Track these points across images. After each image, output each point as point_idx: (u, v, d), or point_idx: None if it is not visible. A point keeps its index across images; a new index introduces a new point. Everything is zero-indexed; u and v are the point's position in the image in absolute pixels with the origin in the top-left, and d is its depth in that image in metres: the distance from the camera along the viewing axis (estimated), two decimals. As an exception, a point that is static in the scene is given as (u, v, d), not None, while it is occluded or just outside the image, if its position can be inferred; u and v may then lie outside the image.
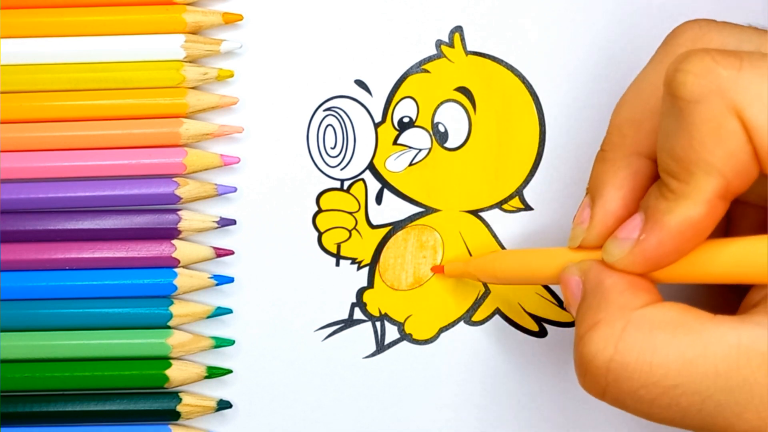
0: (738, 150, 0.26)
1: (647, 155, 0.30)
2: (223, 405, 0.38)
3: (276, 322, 0.38)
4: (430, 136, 0.39)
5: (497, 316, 0.39)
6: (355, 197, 0.39)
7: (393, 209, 0.39)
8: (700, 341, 0.26)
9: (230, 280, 0.38)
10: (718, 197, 0.27)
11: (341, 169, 0.39)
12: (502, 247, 0.39)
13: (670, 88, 0.27)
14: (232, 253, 0.38)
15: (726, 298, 0.30)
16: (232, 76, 0.38)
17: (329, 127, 0.39)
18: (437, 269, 0.38)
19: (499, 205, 0.39)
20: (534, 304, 0.39)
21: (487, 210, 0.39)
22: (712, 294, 0.33)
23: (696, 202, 0.27)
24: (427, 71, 0.39)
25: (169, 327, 0.38)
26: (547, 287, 0.39)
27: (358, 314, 0.39)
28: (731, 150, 0.26)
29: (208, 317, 0.38)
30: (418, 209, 0.39)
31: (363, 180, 0.39)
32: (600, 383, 0.27)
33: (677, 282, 0.29)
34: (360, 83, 0.39)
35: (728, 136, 0.26)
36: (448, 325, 0.39)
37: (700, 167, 0.26)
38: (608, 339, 0.27)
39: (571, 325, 0.39)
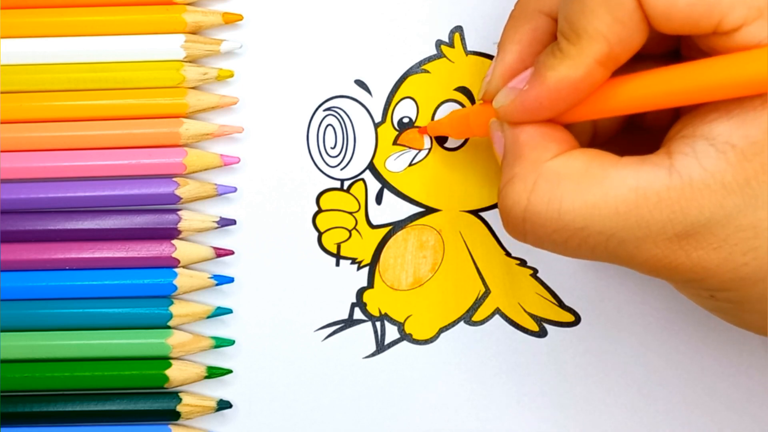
0: (626, 19, 0.27)
1: (550, 14, 0.32)
2: (223, 405, 0.38)
3: (276, 322, 0.38)
4: (430, 136, 0.39)
5: (497, 316, 0.39)
6: (355, 197, 0.39)
7: (393, 209, 0.39)
8: (602, 187, 0.28)
9: (230, 280, 0.38)
10: (599, 63, 0.28)
11: (341, 169, 0.39)
12: (503, 247, 0.39)
13: None
14: (232, 253, 0.38)
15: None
16: (232, 76, 0.38)
17: (329, 127, 0.39)
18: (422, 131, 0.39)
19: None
20: (534, 304, 0.39)
21: (487, 210, 0.39)
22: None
23: (577, 64, 0.28)
24: (427, 71, 0.39)
25: (169, 327, 0.38)
26: (546, 287, 0.39)
27: (358, 314, 0.39)
28: (619, 18, 0.27)
29: (208, 317, 0.38)
30: (418, 209, 0.39)
31: (363, 180, 0.39)
32: (519, 230, 0.30)
33: (582, 120, 0.30)
34: (360, 83, 0.39)
35: (618, 5, 0.27)
36: (448, 325, 0.39)
37: (587, 32, 0.28)
38: (522, 192, 0.30)
39: (571, 325, 0.39)
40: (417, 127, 0.39)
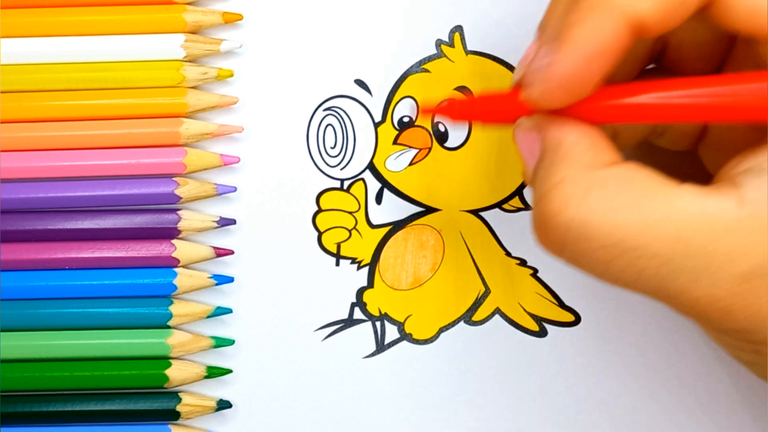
0: None
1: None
2: (223, 405, 0.38)
3: (276, 322, 0.38)
4: (430, 136, 0.39)
5: (497, 316, 0.39)
6: (355, 197, 0.39)
7: (393, 209, 0.39)
8: (665, 206, 0.25)
9: (230, 280, 0.38)
10: (628, 23, 0.26)
11: (341, 169, 0.39)
12: (503, 247, 0.39)
13: None
14: (232, 252, 0.38)
15: (695, 176, 0.29)
16: (231, 75, 0.38)
17: (329, 127, 0.39)
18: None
19: (499, 204, 0.39)
20: (534, 304, 0.39)
21: (487, 210, 0.39)
22: (682, 168, 0.32)
23: (604, 18, 0.26)
24: (427, 71, 0.39)
25: (168, 327, 0.38)
26: (547, 287, 0.39)
27: (358, 314, 0.39)
28: None
29: (208, 317, 0.38)
30: (418, 209, 0.39)
31: (363, 180, 0.39)
32: (559, 241, 0.26)
33: (630, 122, 0.28)
34: (360, 83, 0.39)
35: None
36: (448, 325, 0.39)
37: None
38: (571, 198, 0.26)
39: (571, 325, 0.39)
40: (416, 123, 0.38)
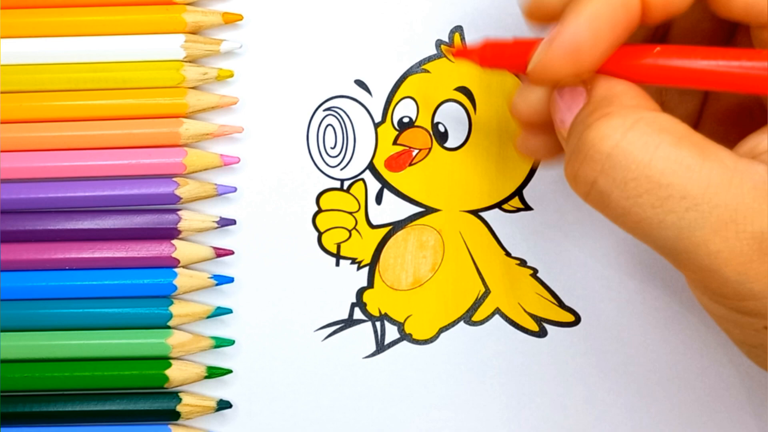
0: None
1: None
2: (223, 405, 0.38)
3: (276, 322, 0.38)
4: (430, 136, 0.39)
5: (497, 316, 0.39)
6: (355, 197, 0.39)
7: (393, 209, 0.39)
8: (701, 154, 0.26)
9: (230, 280, 0.38)
10: None
11: (341, 169, 0.39)
12: (503, 247, 0.39)
13: None
14: (232, 253, 0.38)
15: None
16: (232, 76, 0.38)
17: (329, 127, 0.39)
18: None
19: (499, 205, 0.39)
20: (534, 304, 0.39)
21: (487, 210, 0.39)
22: None
23: None
24: (427, 71, 0.39)
25: (169, 327, 0.38)
26: (546, 287, 0.39)
27: (358, 314, 0.39)
28: None
29: (208, 317, 0.38)
30: (418, 209, 0.39)
31: (363, 180, 0.39)
32: (595, 168, 0.27)
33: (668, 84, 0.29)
34: (360, 83, 0.39)
35: None
36: (448, 325, 0.39)
37: None
38: (617, 127, 0.27)
39: (571, 325, 0.39)
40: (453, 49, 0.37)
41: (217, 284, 0.38)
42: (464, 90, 0.39)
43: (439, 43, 0.39)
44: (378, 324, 0.39)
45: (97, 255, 0.37)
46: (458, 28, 0.39)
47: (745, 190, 0.26)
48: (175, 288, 0.37)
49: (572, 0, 0.28)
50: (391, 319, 0.39)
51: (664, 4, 0.27)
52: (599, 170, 0.27)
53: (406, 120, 0.39)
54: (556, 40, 0.28)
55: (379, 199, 0.39)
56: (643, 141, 0.26)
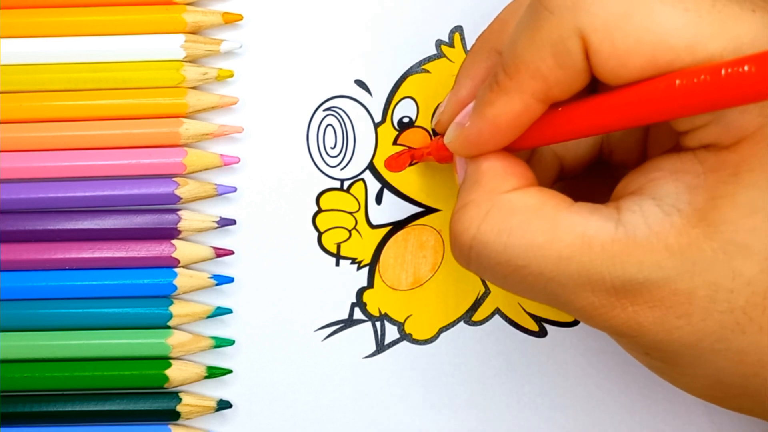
0: (569, 66, 0.27)
1: None
2: (223, 405, 0.38)
3: (276, 322, 0.38)
4: (430, 136, 0.39)
5: (497, 316, 0.39)
6: (355, 197, 0.39)
7: (393, 209, 0.39)
8: (550, 228, 0.28)
9: (230, 280, 0.38)
10: (537, 99, 0.28)
11: (341, 169, 0.39)
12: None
13: None
14: (232, 253, 0.38)
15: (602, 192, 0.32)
16: (232, 76, 0.38)
17: (329, 127, 0.39)
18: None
19: (499, 205, 0.39)
20: (534, 304, 0.39)
21: (487, 210, 0.39)
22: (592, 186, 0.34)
23: (514, 99, 0.28)
24: (427, 71, 0.39)
25: (169, 327, 0.38)
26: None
27: (358, 314, 0.39)
28: (562, 63, 0.27)
29: (208, 317, 0.38)
30: (418, 209, 0.39)
31: (363, 180, 0.39)
32: (465, 256, 0.30)
33: (531, 147, 0.31)
34: (360, 83, 0.39)
35: (565, 53, 0.27)
36: (448, 325, 0.39)
37: (528, 68, 0.28)
38: (473, 219, 0.29)
39: (571, 325, 0.39)
40: (409, 148, 0.39)
41: (217, 284, 0.38)
42: (464, 90, 0.39)
43: (439, 43, 0.39)
44: (378, 324, 0.39)
45: (97, 255, 0.37)
46: (458, 28, 0.39)
47: (593, 254, 0.28)
48: (175, 288, 0.37)
49: (478, 96, 0.30)
50: (391, 319, 0.39)
51: (565, 90, 0.28)
52: (467, 259, 0.30)
53: (406, 120, 0.39)
54: (466, 131, 0.30)
55: (379, 199, 0.39)
56: (496, 230, 0.29)
